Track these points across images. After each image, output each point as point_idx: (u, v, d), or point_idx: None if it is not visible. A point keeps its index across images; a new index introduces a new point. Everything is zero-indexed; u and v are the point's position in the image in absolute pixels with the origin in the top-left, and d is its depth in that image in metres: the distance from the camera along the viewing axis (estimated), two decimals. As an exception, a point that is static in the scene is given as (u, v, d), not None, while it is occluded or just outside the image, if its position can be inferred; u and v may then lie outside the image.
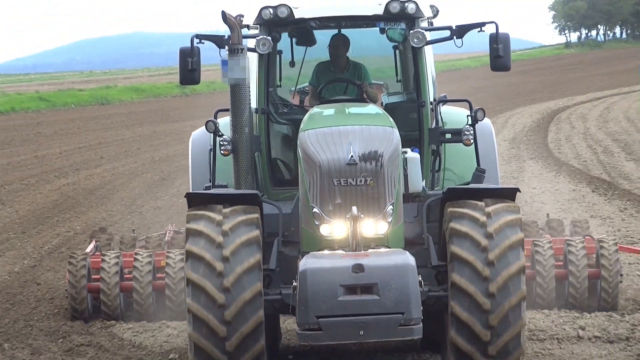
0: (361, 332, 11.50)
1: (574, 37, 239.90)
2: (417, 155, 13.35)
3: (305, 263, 11.81)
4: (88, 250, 18.50)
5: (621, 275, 17.22)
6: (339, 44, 14.34)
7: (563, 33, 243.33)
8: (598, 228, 23.92)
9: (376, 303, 11.50)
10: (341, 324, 11.51)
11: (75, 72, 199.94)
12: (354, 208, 12.10)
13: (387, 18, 13.63)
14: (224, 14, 13.04)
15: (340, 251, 12.11)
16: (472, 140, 13.86)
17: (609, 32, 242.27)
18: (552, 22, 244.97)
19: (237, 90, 13.18)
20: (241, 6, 13.70)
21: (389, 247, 12.39)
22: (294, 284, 12.01)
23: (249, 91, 13.38)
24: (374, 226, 12.44)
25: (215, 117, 13.93)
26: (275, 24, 13.70)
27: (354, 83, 14.15)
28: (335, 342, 11.74)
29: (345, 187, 12.40)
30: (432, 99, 13.93)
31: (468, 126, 13.94)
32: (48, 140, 53.86)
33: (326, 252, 12.19)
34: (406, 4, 13.28)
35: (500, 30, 13.42)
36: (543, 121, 57.72)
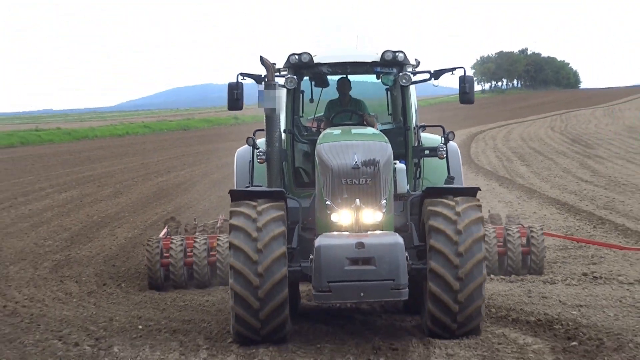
0: (361, 294, 10.69)
1: (487, 86, 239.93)
2: (403, 166, 12.41)
3: (320, 240, 10.91)
4: (161, 235, 17.68)
5: (545, 252, 16.65)
6: (344, 85, 13.40)
7: (480, 84, 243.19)
8: (504, 209, 23.93)
9: (373, 272, 10.64)
10: (346, 287, 10.67)
11: (167, 109, 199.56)
12: (357, 200, 11.31)
13: (382, 64, 12.69)
14: (261, 57, 12.42)
15: (346, 233, 11.22)
16: (444, 155, 12.90)
17: (509, 83, 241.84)
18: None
19: (271, 116, 12.46)
20: (275, 55, 13.04)
21: (383, 231, 11.44)
22: (310, 257, 11.03)
23: (279, 117, 12.65)
24: (372, 215, 11.42)
25: (254, 135, 13.33)
26: (299, 67, 12.74)
27: (357, 113, 13.30)
28: (341, 301, 10.97)
29: (350, 186, 11.43)
30: (414, 125, 13.02)
31: (442, 144, 12.93)
32: (149, 153, 53.82)
33: (335, 233, 11.25)
34: (397, 54, 12.57)
35: (467, 74, 12.65)
36: (467, 140, 57.59)
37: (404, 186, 12.24)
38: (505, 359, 10.85)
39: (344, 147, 11.63)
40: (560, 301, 14.16)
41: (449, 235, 10.99)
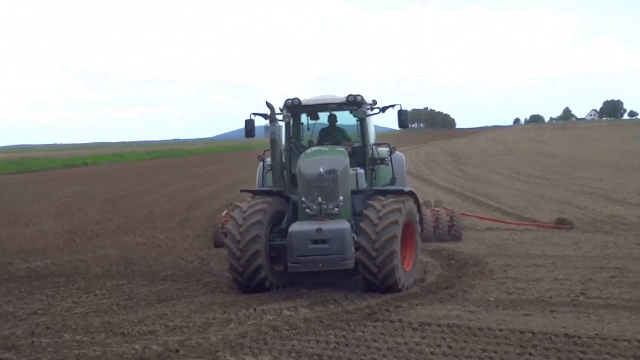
0: (320, 264, 8.73)
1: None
2: (362, 171, 10.56)
3: (292, 227, 8.97)
4: (223, 214, 15.70)
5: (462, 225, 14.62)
6: (332, 118, 11.38)
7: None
8: (422, 196, 23.41)
9: (328, 249, 8.72)
10: (309, 260, 8.74)
11: (239, 139, 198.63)
12: (320, 198, 9.30)
13: (347, 104, 10.80)
14: (267, 102, 10.47)
15: (311, 221, 9.16)
16: (389, 163, 10.81)
17: (418, 125, 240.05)
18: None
19: (274, 140, 10.51)
20: (278, 99, 10.38)
21: (340, 219, 9.25)
22: (287, 238, 8.98)
23: (280, 141, 10.72)
24: (332, 208, 9.33)
25: (264, 154, 11.37)
26: (292, 107, 10.60)
27: (334, 137, 11.23)
28: (306, 269, 8.82)
29: (317, 187, 9.37)
30: (371, 143, 10.96)
31: (389, 156, 10.88)
32: (229, 161, 53.65)
33: (303, 221, 9.23)
34: (356, 96, 10.63)
35: (402, 108, 10.70)
36: (396, 155, 57.02)
37: (363, 184, 10.52)
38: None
39: (315, 161, 9.63)
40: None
41: (372, 219, 9.05)
